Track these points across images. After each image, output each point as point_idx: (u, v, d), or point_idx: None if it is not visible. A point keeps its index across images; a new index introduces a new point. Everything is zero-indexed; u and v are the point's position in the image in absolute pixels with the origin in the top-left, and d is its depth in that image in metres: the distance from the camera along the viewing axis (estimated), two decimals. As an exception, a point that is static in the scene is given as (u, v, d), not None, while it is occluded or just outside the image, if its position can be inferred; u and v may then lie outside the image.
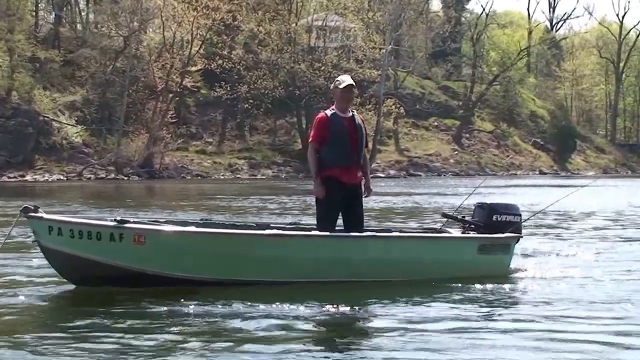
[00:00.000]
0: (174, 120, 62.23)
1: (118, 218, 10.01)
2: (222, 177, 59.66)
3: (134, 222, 10.17)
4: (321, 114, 11.02)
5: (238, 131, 68.57)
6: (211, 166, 62.13)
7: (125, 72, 60.24)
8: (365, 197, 11.13)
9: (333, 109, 10.97)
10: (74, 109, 59.35)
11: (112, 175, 54.90)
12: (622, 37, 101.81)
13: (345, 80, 10.97)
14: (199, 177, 58.65)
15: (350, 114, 11.01)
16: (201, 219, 11.72)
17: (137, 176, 55.62)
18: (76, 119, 58.40)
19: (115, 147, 57.37)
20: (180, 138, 62.81)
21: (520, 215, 11.79)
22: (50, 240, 9.92)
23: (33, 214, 9.89)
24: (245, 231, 10.96)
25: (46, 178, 52.11)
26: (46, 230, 9.90)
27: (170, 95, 62.12)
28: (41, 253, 10.25)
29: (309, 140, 11.07)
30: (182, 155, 61.92)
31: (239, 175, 61.19)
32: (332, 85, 11.19)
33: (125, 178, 54.68)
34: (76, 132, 57.59)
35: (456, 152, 78.10)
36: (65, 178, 52.76)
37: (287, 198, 32.42)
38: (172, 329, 8.21)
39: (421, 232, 12.25)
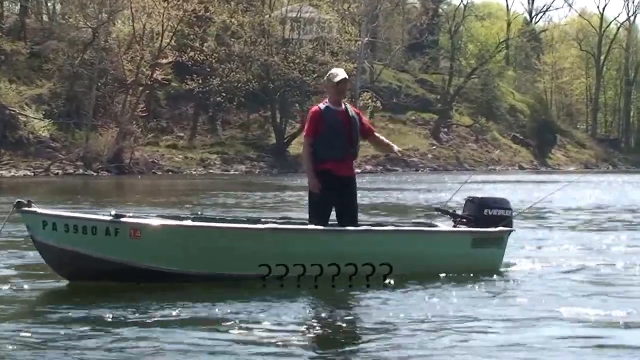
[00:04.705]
0: (144, 114, 60.91)
1: (114, 212, 10.10)
2: (194, 173, 58.64)
3: (130, 217, 10.29)
4: (315, 108, 11.22)
5: (210, 125, 67.68)
6: (183, 161, 60.94)
7: (94, 64, 58.82)
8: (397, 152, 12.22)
9: (326, 103, 11.16)
10: (41, 102, 57.78)
11: (81, 171, 53.57)
12: (603, 30, 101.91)
13: (340, 74, 11.15)
14: (171, 173, 57.55)
15: (344, 107, 11.21)
16: (192, 214, 11.96)
17: (107, 172, 54.29)
18: (43, 112, 56.82)
19: (84, 141, 56.01)
20: (151, 132, 61.45)
21: (511, 209, 11.98)
22: (44, 235, 9.94)
23: (27, 209, 9.87)
24: (244, 225, 10.91)
25: (13, 174, 50.73)
26: (40, 225, 9.90)
27: (141, 88, 60.71)
28: (34, 248, 10.36)
29: (304, 135, 11.32)
30: (152, 150, 60.60)
31: (211, 171, 60.23)
32: (325, 79, 11.40)
33: (95, 174, 53.37)
34: (43, 127, 56.17)
35: (434, 147, 77.76)
36: (32, 174, 51.45)
37: (263, 194, 32.47)
38: (165, 324, 8.12)
39: (413, 227, 12.35)
